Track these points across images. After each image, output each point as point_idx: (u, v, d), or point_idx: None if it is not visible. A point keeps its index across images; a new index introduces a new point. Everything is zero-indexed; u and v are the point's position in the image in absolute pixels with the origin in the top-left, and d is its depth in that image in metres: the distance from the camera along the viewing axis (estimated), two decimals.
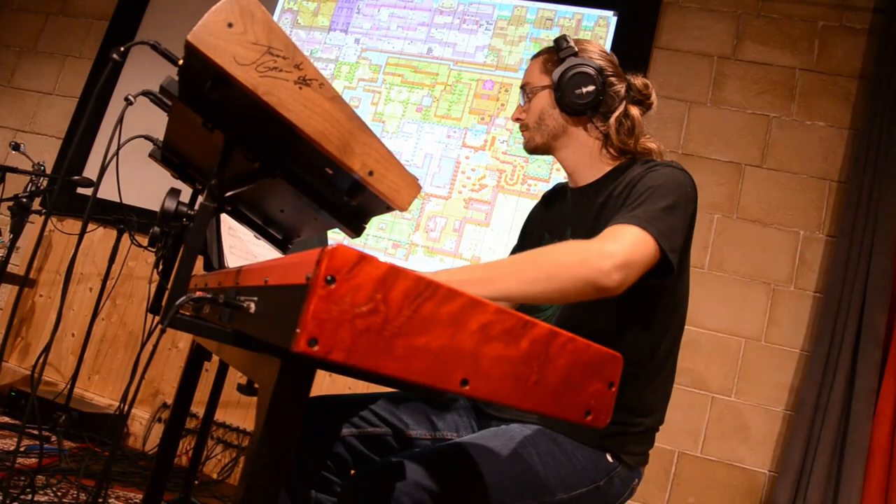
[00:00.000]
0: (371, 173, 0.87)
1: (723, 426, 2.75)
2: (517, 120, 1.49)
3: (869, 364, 2.52)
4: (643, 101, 1.45)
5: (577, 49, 1.40)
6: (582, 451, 1.24)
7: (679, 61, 3.13)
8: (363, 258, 0.53)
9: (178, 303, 0.78)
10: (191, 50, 0.78)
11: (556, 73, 1.39)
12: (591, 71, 1.37)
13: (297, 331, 0.51)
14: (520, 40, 3.33)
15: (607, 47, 3.15)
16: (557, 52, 1.41)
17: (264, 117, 0.84)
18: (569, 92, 1.37)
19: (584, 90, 1.37)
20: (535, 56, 1.48)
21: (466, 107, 3.30)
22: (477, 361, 0.58)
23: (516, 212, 3.06)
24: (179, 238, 1.20)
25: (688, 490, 2.72)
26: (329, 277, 0.51)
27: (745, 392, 2.76)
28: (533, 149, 1.48)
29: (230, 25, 0.79)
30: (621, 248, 1.10)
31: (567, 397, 0.65)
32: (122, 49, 1.14)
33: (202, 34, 0.78)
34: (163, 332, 0.82)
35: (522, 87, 1.48)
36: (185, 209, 1.01)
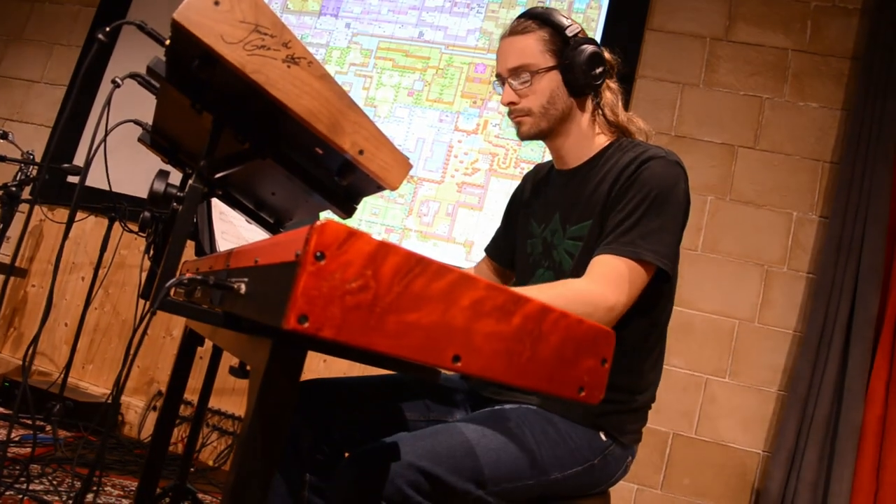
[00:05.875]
0: (361, 152, 0.86)
1: (717, 407, 2.77)
2: (511, 104, 1.39)
3: (862, 344, 2.53)
4: (612, 71, 1.43)
5: (576, 27, 1.37)
6: (576, 431, 1.25)
7: (671, 43, 3.12)
8: (353, 234, 0.52)
9: (168, 284, 0.77)
10: (177, 28, 0.77)
11: (570, 53, 1.34)
12: (599, 50, 1.35)
13: (287, 308, 0.50)
14: None
15: (599, 29, 3.14)
16: (559, 31, 1.35)
17: (253, 97, 0.83)
18: (582, 74, 1.34)
19: (598, 71, 1.35)
20: (521, 33, 1.38)
21: (458, 90, 3.29)
22: (469, 338, 0.58)
23: (509, 195, 3.04)
24: (170, 222, 1.19)
25: (682, 471, 2.74)
26: (318, 254, 0.51)
27: (739, 373, 2.77)
28: (535, 134, 1.40)
29: (216, 3, 0.78)
30: (622, 301, 1.18)
31: (560, 374, 0.65)
32: (107, 29, 1.12)
33: (188, 12, 0.77)
34: (153, 314, 0.81)
35: (516, 69, 1.37)
36: (174, 191, 1.00)
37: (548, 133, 1.41)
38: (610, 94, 1.41)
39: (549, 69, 1.36)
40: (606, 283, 1.18)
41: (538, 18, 1.38)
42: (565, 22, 1.36)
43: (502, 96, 1.40)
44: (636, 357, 1.31)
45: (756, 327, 2.79)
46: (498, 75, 1.42)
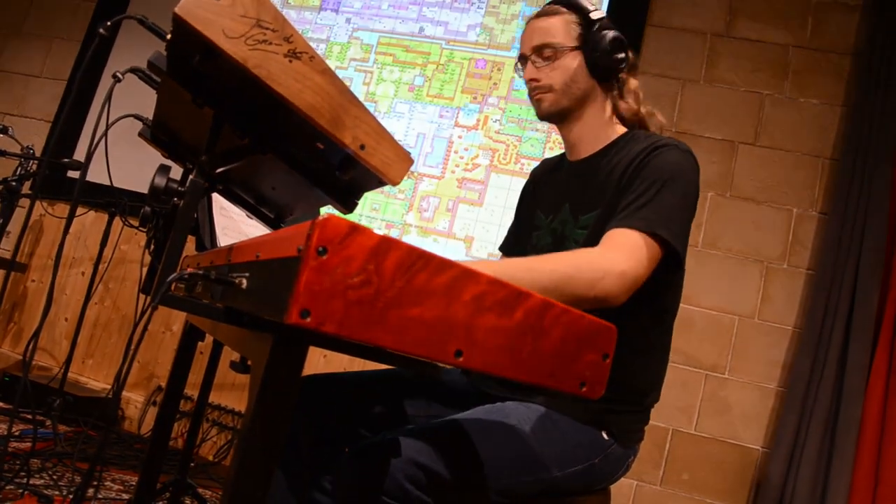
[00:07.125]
0: (363, 147, 0.86)
1: (716, 403, 2.77)
2: (533, 80, 1.40)
3: (861, 340, 2.53)
4: (633, 67, 1.45)
5: (602, 14, 1.40)
6: (577, 429, 1.24)
7: (672, 39, 3.11)
8: (355, 229, 0.52)
9: (169, 279, 0.77)
10: (178, 23, 0.77)
11: (593, 35, 1.37)
12: (622, 36, 1.38)
13: (289, 303, 0.50)
14: (512, 18, 3.30)
15: None
16: (584, 15, 1.39)
17: (254, 92, 0.83)
18: (605, 57, 1.36)
19: (620, 55, 1.38)
20: (547, 15, 1.42)
21: (459, 86, 3.28)
22: (471, 332, 0.58)
23: (509, 191, 3.05)
24: (171, 217, 1.19)
25: (682, 467, 2.74)
26: (321, 248, 0.51)
27: (739, 369, 2.77)
28: (556, 112, 1.40)
29: None
30: (634, 267, 1.13)
31: (562, 368, 0.65)
32: (108, 24, 1.12)
33: (190, 6, 0.76)
34: (154, 309, 0.81)
35: (540, 47, 1.39)
36: (175, 186, 1.00)
37: (567, 113, 1.41)
38: (631, 86, 1.44)
39: (573, 49, 1.38)
40: (619, 250, 1.15)
41: (566, 4, 1.41)
42: (591, 7, 1.40)
43: (525, 72, 1.42)
44: (640, 356, 1.31)
45: (756, 323, 2.80)
46: (521, 56, 1.44)
